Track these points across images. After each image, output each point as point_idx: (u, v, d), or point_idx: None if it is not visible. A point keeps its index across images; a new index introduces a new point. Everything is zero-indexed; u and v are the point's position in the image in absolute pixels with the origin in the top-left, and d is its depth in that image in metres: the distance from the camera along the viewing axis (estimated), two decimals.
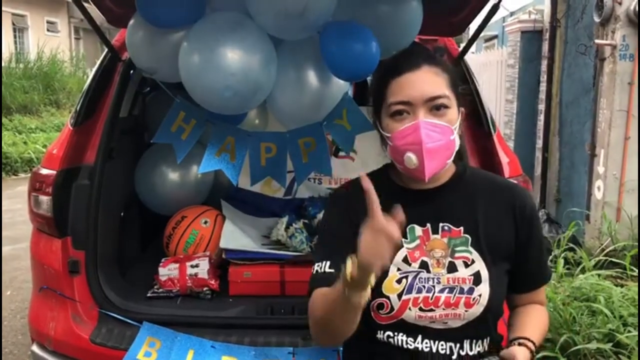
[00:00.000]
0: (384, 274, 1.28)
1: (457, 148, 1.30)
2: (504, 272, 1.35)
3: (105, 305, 2.18)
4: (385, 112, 1.30)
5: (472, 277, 1.30)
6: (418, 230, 1.33)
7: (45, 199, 2.21)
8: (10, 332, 3.55)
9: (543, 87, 5.84)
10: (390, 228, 1.10)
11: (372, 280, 1.14)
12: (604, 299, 3.06)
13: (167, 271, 2.41)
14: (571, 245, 4.05)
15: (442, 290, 1.29)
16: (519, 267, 1.37)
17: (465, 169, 1.41)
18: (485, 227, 1.32)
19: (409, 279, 1.30)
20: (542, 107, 5.87)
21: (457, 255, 1.31)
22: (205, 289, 2.39)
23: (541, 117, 5.89)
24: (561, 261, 3.68)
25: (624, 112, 4.47)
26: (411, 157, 1.24)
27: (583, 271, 3.64)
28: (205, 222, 2.68)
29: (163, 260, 2.49)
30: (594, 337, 2.82)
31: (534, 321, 1.38)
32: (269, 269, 2.43)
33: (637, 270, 3.75)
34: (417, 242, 1.32)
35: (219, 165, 2.19)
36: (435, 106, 1.26)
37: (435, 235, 1.32)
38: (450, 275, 1.30)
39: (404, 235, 1.31)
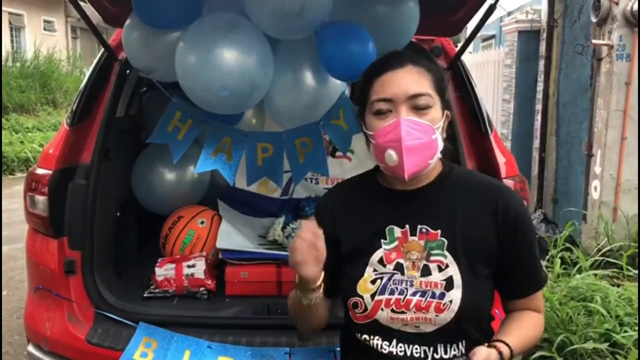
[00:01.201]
0: (360, 273, 1.33)
1: (439, 149, 1.30)
2: (484, 277, 1.32)
3: (101, 305, 2.17)
4: (368, 110, 1.32)
5: (444, 282, 1.28)
6: (397, 231, 1.33)
7: (41, 199, 2.20)
8: (7, 332, 3.54)
9: (540, 87, 5.84)
10: (316, 242, 1.24)
11: (316, 284, 1.29)
12: (600, 298, 3.06)
13: (164, 271, 2.40)
14: (568, 245, 4.06)
15: (414, 294, 1.29)
16: (506, 273, 1.34)
17: (451, 169, 1.40)
18: (464, 230, 1.31)
19: (384, 280, 1.31)
20: (539, 107, 5.87)
21: (432, 258, 1.30)
22: (201, 289, 2.39)
23: (538, 117, 5.90)
24: (558, 261, 3.69)
25: (621, 112, 4.48)
26: (391, 154, 1.25)
27: (580, 271, 3.64)
28: (202, 222, 2.68)
29: (159, 260, 2.49)
30: (591, 336, 2.83)
31: (520, 326, 1.34)
32: (266, 269, 2.42)
33: (633, 270, 3.77)
34: (396, 243, 1.32)
35: (215, 166, 2.18)
36: (417, 104, 1.26)
37: (413, 237, 1.32)
38: (423, 279, 1.29)
39: (383, 236, 1.33)
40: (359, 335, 1.36)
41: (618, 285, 3.55)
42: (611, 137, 4.54)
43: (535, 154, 5.99)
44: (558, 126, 5.64)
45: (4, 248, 4.98)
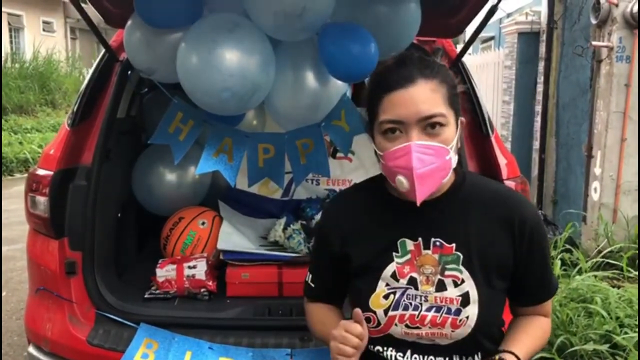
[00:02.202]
0: (372, 288, 1.28)
1: (453, 166, 1.24)
2: (500, 291, 1.29)
3: (102, 306, 2.17)
4: (377, 129, 1.23)
5: (461, 297, 1.25)
6: (409, 244, 1.28)
7: (42, 200, 2.20)
8: (6, 333, 3.53)
9: (540, 88, 5.84)
10: (361, 343, 1.22)
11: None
12: (600, 300, 3.07)
13: (165, 272, 2.40)
14: (568, 246, 4.06)
15: (429, 309, 1.26)
16: (520, 282, 1.31)
17: (464, 178, 1.33)
18: (478, 244, 1.26)
19: (397, 295, 1.27)
20: (539, 108, 5.87)
21: (447, 273, 1.26)
22: (202, 290, 2.39)
23: (538, 119, 5.90)
24: (558, 262, 3.69)
25: (621, 113, 4.48)
26: (402, 181, 1.19)
27: (580, 272, 3.65)
28: (203, 223, 2.67)
29: (160, 261, 2.49)
30: (591, 338, 2.82)
31: (528, 332, 1.32)
32: (267, 270, 2.42)
33: (633, 272, 3.77)
34: (408, 256, 1.27)
35: (216, 167, 2.18)
36: (430, 125, 1.18)
37: (427, 251, 1.27)
38: (438, 295, 1.25)
39: (395, 249, 1.28)
40: (372, 347, 1.32)
41: (618, 287, 3.55)
42: (611, 139, 4.53)
43: (535, 156, 5.99)
44: (558, 127, 5.64)
45: (3, 249, 4.96)
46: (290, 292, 2.37)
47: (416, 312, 1.26)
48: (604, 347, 2.75)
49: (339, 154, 2.99)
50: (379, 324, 1.28)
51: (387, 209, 1.32)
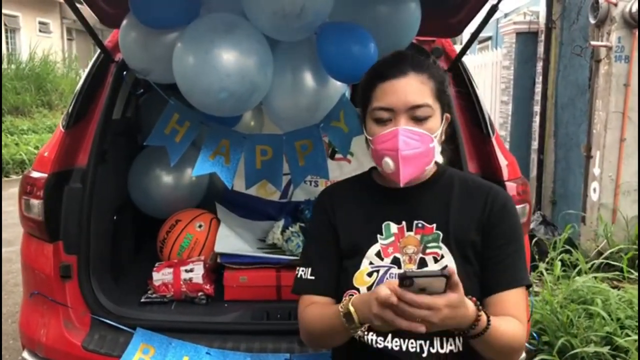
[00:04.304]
0: (357, 266, 1.33)
1: (436, 155, 1.33)
2: (474, 273, 1.32)
3: (97, 311, 2.14)
4: (369, 115, 1.33)
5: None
6: (393, 227, 1.35)
7: (36, 203, 2.17)
8: (2, 336, 3.49)
9: (538, 88, 5.84)
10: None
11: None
12: (601, 301, 3.05)
13: (161, 276, 2.38)
14: (567, 247, 4.04)
15: None
16: (485, 265, 1.32)
17: (445, 169, 1.42)
18: (455, 223, 1.33)
19: (380, 273, 1.32)
20: (537, 108, 5.87)
21: (428, 251, 1.32)
22: (200, 294, 2.36)
23: (536, 119, 5.89)
24: (558, 263, 3.67)
25: (620, 113, 4.47)
26: (388, 163, 1.28)
27: (579, 273, 3.63)
28: (200, 226, 2.65)
29: (157, 264, 2.46)
30: (592, 340, 2.81)
31: (502, 319, 1.24)
32: (265, 273, 2.40)
33: (634, 273, 3.75)
34: (392, 239, 1.34)
35: (213, 168, 2.16)
36: (416, 115, 1.28)
37: (410, 233, 1.34)
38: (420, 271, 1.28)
39: (380, 232, 1.35)
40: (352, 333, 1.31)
41: (618, 288, 3.53)
42: (610, 139, 4.53)
43: (534, 156, 5.98)
44: (556, 128, 5.63)
45: None
46: (288, 296, 2.33)
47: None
48: (605, 349, 2.74)
49: (337, 155, 2.96)
50: None
51: (374, 196, 1.41)
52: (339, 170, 2.94)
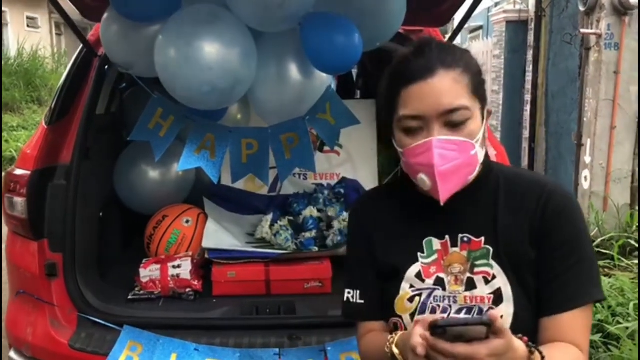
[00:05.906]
0: (396, 291, 1.18)
1: (480, 161, 1.13)
2: (533, 291, 1.13)
3: (84, 309, 2.12)
4: (396, 125, 1.14)
5: (492, 295, 1.12)
6: (436, 243, 1.18)
7: (19, 201, 2.15)
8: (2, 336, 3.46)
9: (529, 77, 5.84)
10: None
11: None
12: None
13: (149, 272, 2.35)
14: None
15: (459, 311, 1.13)
16: (540, 281, 1.13)
17: (491, 168, 1.21)
18: (504, 235, 1.14)
19: (422, 297, 1.16)
20: (528, 97, 5.87)
21: (476, 270, 1.14)
22: (188, 290, 2.34)
23: (527, 108, 5.89)
24: None
25: (610, 101, 4.48)
26: (424, 180, 1.10)
27: None
28: (187, 221, 2.62)
29: (144, 261, 2.44)
30: None
31: (560, 351, 1.07)
32: (254, 268, 2.38)
33: (624, 261, 3.76)
34: (435, 257, 1.17)
35: (198, 163, 2.13)
36: (452, 119, 1.08)
37: (455, 249, 1.16)
38: (468, 294, 1.14)
39: (421, 250, 1.18)
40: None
41: (610, 276, 3.54)
42: (600, 127, 4.53)
43: (525, 145, 5.98)
44: (547, 116, 5.63)
45: None
46: (278, 290, 2.34)
47: (445, 315, 1.14)
48: (597, 337, 2.74)
49: (325, 148, 2.94)
50: (406, 329, 1.16)
51: (411, 207, 1.22)
52: (328, 163, 2.92)
